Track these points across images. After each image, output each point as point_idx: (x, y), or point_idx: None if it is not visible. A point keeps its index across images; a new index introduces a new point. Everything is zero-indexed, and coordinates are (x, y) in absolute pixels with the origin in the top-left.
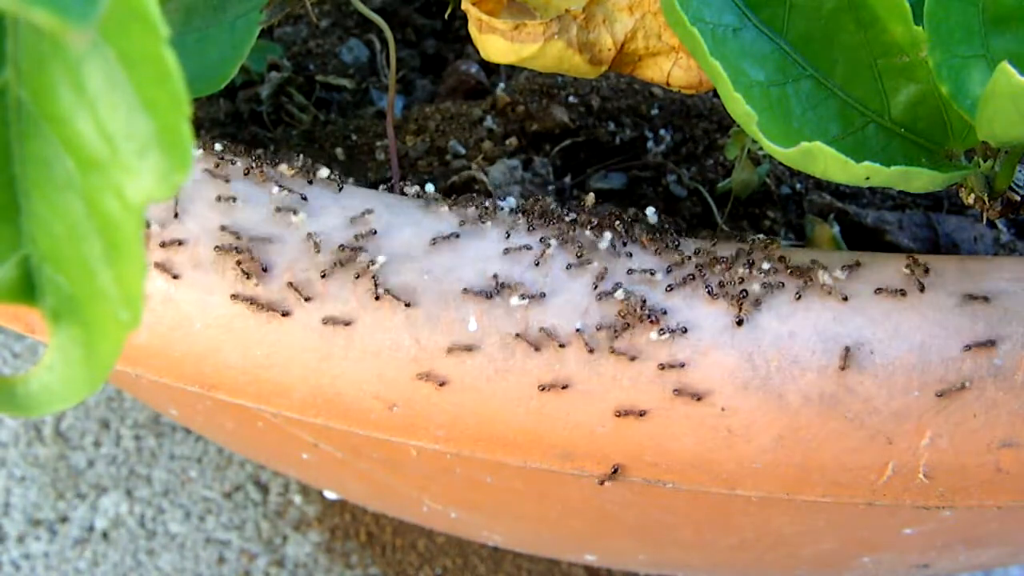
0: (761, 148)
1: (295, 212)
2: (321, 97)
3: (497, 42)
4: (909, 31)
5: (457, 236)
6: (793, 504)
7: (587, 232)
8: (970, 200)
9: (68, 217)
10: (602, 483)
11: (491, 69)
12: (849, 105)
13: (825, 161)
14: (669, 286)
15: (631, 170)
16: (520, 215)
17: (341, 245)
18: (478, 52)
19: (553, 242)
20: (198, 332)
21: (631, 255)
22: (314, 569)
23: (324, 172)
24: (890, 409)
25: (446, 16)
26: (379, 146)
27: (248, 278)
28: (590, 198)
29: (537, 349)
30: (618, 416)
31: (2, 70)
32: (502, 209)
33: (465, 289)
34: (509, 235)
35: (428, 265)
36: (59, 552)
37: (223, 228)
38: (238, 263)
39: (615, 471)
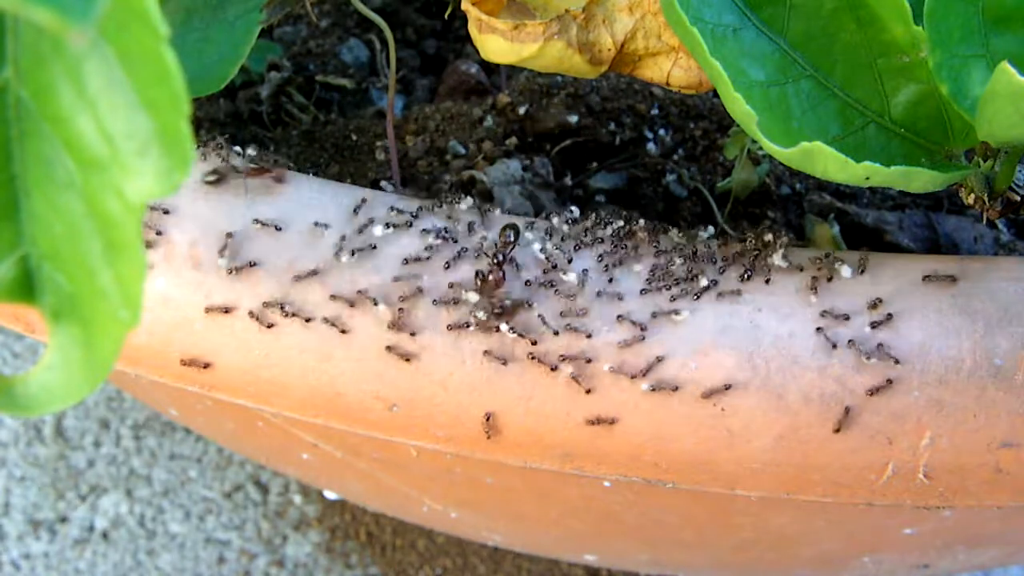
0: (761, 148)
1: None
2: (321, 97)
3: (497, 42)
4: (909, 31)
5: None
6: (793, 504)
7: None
8: (970, 200)
9: (68, 216)
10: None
11: (491, 69)
12: (849, 105)
13: (825, 161)
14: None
15: (631, 170)
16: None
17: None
18: (478, 52)
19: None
20: (198, 332)
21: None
22: (314, 569)
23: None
24: (890, 409)
25: (446, 16)
26: (379, 146)
27: None
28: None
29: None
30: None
31: (2, 69)
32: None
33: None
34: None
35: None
36: (59, 552)
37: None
38: None
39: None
